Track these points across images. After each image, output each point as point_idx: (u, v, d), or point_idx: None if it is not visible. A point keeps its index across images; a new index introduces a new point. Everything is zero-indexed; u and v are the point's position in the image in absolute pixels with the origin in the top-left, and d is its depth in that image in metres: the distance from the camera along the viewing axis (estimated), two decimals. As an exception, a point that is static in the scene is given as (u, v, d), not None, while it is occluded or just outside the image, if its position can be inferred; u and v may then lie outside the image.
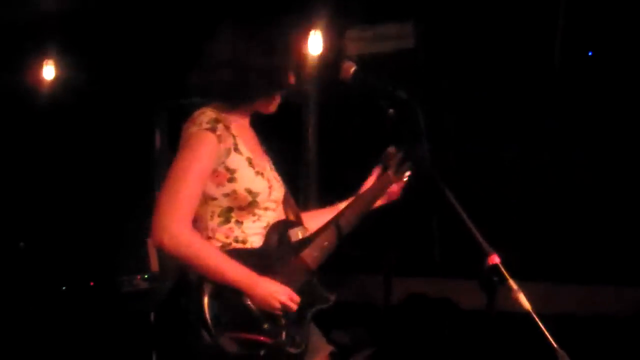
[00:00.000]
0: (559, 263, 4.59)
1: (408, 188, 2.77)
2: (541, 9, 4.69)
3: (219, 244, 2.41)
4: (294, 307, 2.39)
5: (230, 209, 2.41)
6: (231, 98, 2.45)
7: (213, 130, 2.36)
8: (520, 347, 3.37)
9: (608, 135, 4.59)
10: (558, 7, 4.64)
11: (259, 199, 2.43)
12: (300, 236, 2.54)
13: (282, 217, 2.56)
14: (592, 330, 4.25)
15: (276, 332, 2.37)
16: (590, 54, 4.73)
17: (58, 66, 6.33)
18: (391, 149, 2.77)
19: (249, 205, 2.42)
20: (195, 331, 2.29)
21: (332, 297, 2.53)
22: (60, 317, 4.76)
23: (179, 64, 5.68)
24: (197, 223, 2.40)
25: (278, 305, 2.35)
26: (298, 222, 2.59)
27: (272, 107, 2.55)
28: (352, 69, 2.47)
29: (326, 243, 2.53)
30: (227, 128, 2.39)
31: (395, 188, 2.75)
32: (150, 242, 4.23)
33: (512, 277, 2.05)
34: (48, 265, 5.34)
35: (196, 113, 2.41)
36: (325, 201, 2.83)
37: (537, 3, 4.72)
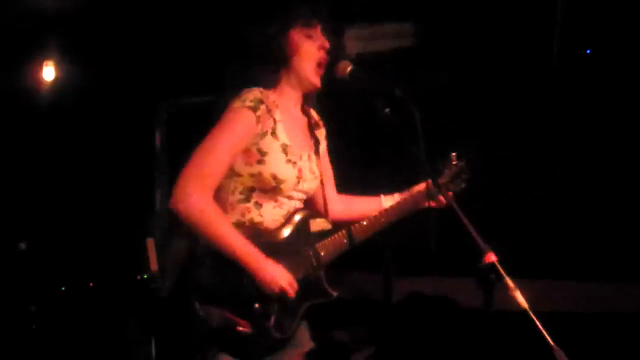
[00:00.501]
0: (555, 260, 4.60)
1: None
2: (539, 7, 4.69)
3: (234, 220, 2.42)
4: (292, 294, 2.39)
5: (252, 189, 2.43)
6: (254, 73, 2.46)
7: (254, 109, 2.38)
8: (517, 345, 3.38)
9: (606, 133, 4.59)
10: (556, 5, 4.64)
11: (283, 186, 2.43)
12: (320, 227, 2.55)
13: (308, 208, 2.56)
14: (588, 328, 4.26)
15: (266, 315, 2.38)
16: (588, 52, 4.73)
17: (58, 67, 6.35)
18: (453, 155, 2.72)
19: (271, 190, 2.43)
20: (189, 299, 2.32)
21: (334, 294, 2.53)
22: (59, 318, 4.77)
23: (178, 63, 5.74)
24: (219, 194, 2.42)
25: (277, 290, 2.36)
26: (323, 214, 2.60)
27: (315, 79, 2.51)
28: (349, 68, 2.49)
29: (345, 240, 2.54)
30: (269, 111, 2.41)
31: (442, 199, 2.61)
32: (149, 242, 4.25)
33: (509, 274, 2.06)
34: (47, 266, 5.35)
35: (245, 90, 2.43)
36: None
37: (535, 1, 4.72)
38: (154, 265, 4.22)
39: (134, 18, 5.90)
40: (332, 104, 2.62)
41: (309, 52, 2.50)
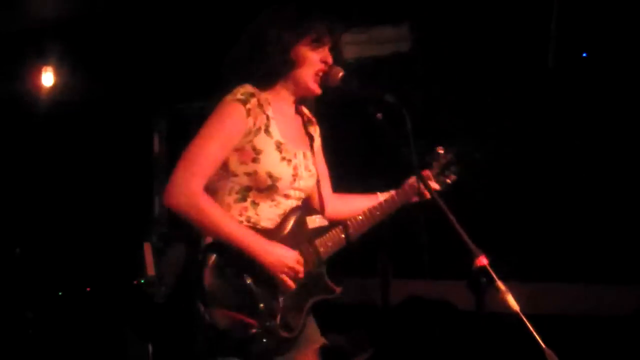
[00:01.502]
0: (546, 263, 4.61)
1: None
2: (535, 11, 4.70)
3: None
4: (302, 274, 2.39)
5: (249, 188, 2.43)
6: (252, 74, 2.44)
7: (244, 102, 2.38)
8: (509, 348, 3.38)
9: (603, 137, 4.59)
10: (552, 8, 4.65)
11: (279, 185, 2.43)
12: (317, 224, 2.53)
13: (305, 206, 2.56)
14: (580, 330, 4.26)
15: (271, 314, 2.37)
16: (584, 55, 4.73)
17: (57, 73, 6.37)
18: (440, 149, 2.78)
19: (268, 188, 2.42)
20: (193, 301, 2.32)
21: (338, 290, 2.53)
22: (57, 323, 4.78)
23: (176, 70, 5.75)
24: (214, 195, 2.42)
25: (285, 270, 2.36)
26: (320, 211, 2.59)
27: (313, 86, 2.51)
28: (340, 75, 2.49)
29: (343, 235, 2.55)
30: (261, 106, 2.41)
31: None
32: (146, 246, 4.25)
33: (500, 278, 2.07)
34: (44, 271, 5.36)
35: (238, 86, 2.43)
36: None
37: (531, 5, 4.73)
38: (150, 270, 4.23)
39: (133, 24, 5.92)
40: (324, 109, 2.62)
41: (312, 63, 2.49)
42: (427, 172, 2.74)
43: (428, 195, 2.58)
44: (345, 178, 2.90)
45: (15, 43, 6.26)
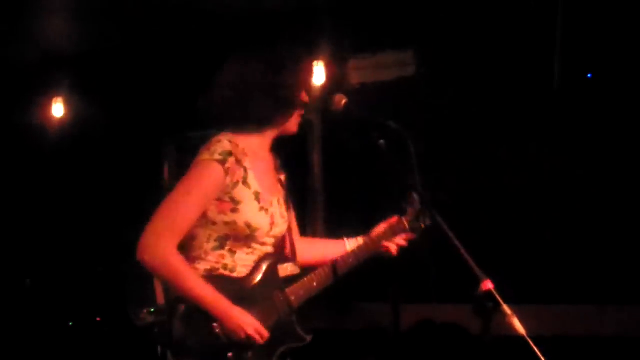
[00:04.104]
0: (552, 285, 4.59)
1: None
2: (538, 32, 4.73)
3: (208, 267, 2.44)
4: (260, 341, 2.39)
5: (227, 237, 2.43)
6: (237, 121, 2.44)
7: (222, 162, 2.37)
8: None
9: (608, 158, 4.59)
10: (555, 29, 4.67)
11: (257, 234, 2.45)
12: (289, 272, 2.55)
13: (277, 251, 2.57)
14: (586, 352, 4.23)
15: None
16: (589, 76, 4.74)
17: (67, 104, 6.43)
18: (415, 195, 2.67)
19: (246, 238, 2.44)
20: (162, 351, 2.35)
21: (308, 338, 2.53)
22: (67, 353, 4.78)
23: (185, 99, 5.80)
24: (193, 242, 2.44)
25: (243, 336, 2.36)
26: (291, 259, 2.60)
27: (293, 126, 2.53)
28: (343, 102, 2.51)
29: (315, 284, 2.56)
30: (238, 162, 2.40)
31: (408, 236, 2.72)
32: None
33: (506, 301, 2.07)
34: (55, 301, 5.37)
35: (214, 139, 2.42)
36: (331, 225, 2.82)
37: (534, 26, 4.76)
38: (160, 299, 4.23)
39: (141, 55, 5.99)
40: (327, 133, 2.64)
41: (304, 104, 2.53)
42: (401, 220, 2.71)
43: (412, 237, 2.66)
44: (347, 203, 2.92)
45: (26, 74, 6.33)
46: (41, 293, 5.45)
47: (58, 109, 6.43)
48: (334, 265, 2.60)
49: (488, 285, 2.10)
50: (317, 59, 5.14)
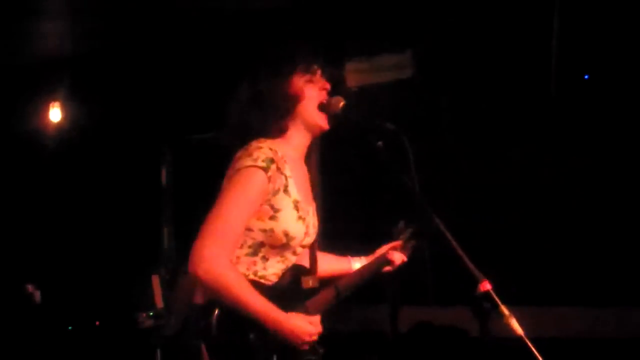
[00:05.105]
0: (550, 286, 4.60)
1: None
2: (534, 35, 4.74)
3: None
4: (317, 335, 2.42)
5: (262, 244, 2.40)
6: (262, 125, 2.43)
7: (266, 170, 2.33)
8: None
9: (606, 161, 4.60)
10: (551, 31, 4.68)
11: (292, 243, 2.43)
12: (311, 285, 2.54)
13: (302, 261, 2.56)
14: (584, 354, 4.24)
15: None
16: (586, 77, 4.75)
17: (64, 108, 6.43)
18: (401, 225, 2.85)
19: (281, 246, 2.42)
20: (161, 355, 2.34)
21: (321, 351, 2.52)
22: (66, 357, 4.78)
23: (182, 103, 5.81)
24: None
25: (308, 339, 2.37)
26: (313, 271, 2.59)
27: (321, 121, 2.51)
28: (341, 104, 2.50)
29: (329, 298, 2.57)
30: (279, 169, 2.37)
31: (402, 259, 2.84)
32: (154, 278, 4.27)
33: (504, 302, 2.08)
34: (54, 306, 5.37)
35: (254, 145, 2.37)
36: (329, 227, 2.83)
37: (530, 29, 4.77)
38: (159, 302, 4.24)
39: (138, 59, 6.00)
40: (324, 137, 2.63)
41: (312, 96, 2.49)
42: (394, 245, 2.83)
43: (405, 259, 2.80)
44: (345, 205, 2.94)
45: (22, 78, 6.34)
46: (41, 297, 5.45)
47: (55, 114, 6.43)
48: (352, 279, 2.70)
49: (486, 286, 2.10)
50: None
